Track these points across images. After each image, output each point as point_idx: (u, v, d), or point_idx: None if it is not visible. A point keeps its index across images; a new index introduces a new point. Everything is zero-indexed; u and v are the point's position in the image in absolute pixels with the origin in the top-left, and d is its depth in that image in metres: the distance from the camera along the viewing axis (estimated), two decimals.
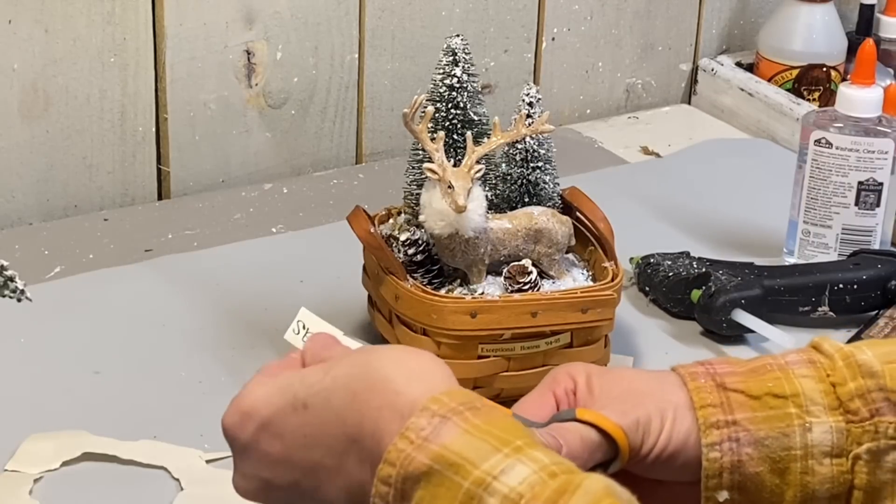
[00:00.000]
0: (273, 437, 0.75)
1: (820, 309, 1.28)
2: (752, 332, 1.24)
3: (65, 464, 1.06)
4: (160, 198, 1.51)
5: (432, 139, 1.13)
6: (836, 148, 1.32)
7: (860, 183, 1.32)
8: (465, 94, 1.16)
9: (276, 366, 0.80)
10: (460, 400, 0.71)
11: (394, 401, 0.72)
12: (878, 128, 1.33)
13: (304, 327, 0.92)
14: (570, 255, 1.20)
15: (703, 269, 1.28)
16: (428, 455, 0.69)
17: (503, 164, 1.20)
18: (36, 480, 1.04)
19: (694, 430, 0.78)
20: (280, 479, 0.76)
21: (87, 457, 1.06)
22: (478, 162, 1.13)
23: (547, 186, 1.20)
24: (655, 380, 0.81)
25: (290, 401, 0.75)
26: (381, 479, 0.70)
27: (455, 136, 1.16)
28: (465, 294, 1.14)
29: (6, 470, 1.04)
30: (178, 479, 1.04)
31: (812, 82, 1.72)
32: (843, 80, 1.68)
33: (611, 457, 0.78)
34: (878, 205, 1.33)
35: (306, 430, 0.74)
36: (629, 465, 0.78)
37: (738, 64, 1.78)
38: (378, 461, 0.70)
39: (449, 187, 1.11)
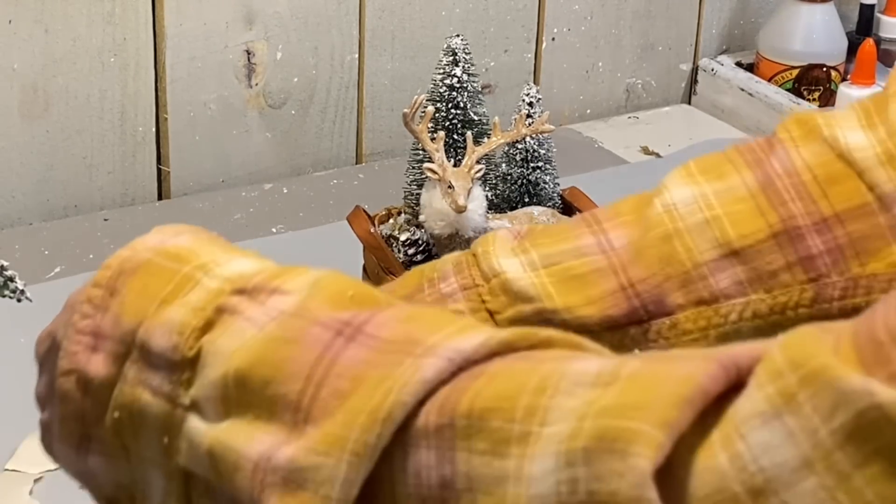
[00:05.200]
0: None
1: None
2: None
3: None
4: (160, 198, 1.51)
5: (432, 139, 1.13)
6: None
7: None
8: (465, 94, 1.16)
9: None
10: (199, 228, 0.67)
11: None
12: None
13: None
14: None
15: None
16: (150, 251, 0.64)
17: (503, 164, 1.20)
18: (36, 480, 1.04)
19: None
20: None
21: None
22: (478, 162, 1.13)
23: (547, 186, 1.20)
24: None
25: None
26: (94, 283, 0.65)
27: (455, 136, 1.16)
28: None
29: (6, 469, 1.04)
30: None
31: (812, 82, 1.72)
32: (844, 80, 1.68)
33: None
34: None
35: None
36: None
37: (739, 64, 1.78)
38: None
39: (449, 187, 1.11)
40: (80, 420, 0.63)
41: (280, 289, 0.59)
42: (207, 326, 0.59)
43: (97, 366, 0.62)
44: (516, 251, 0.79)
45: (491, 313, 0.78)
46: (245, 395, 0.57)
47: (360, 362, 0.55)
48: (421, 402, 0.53)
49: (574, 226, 0.81)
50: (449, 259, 0.82)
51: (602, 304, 0.77)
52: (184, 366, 0.59)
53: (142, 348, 0.61)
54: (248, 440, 0.56)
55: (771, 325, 0.77)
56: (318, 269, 0.61)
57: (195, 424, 0.58)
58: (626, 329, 0.77)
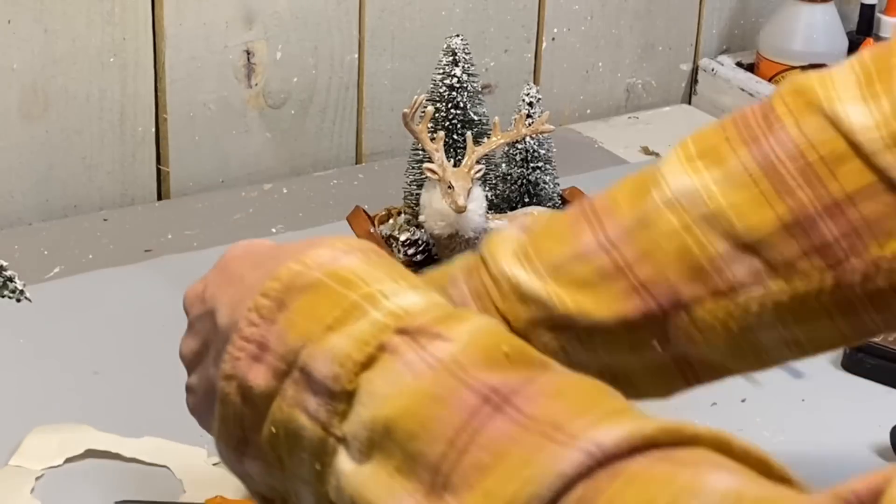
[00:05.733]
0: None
1: None
2: None
3: (68, 460, 1.05)
4: (160, 198, 1.50)
5: (432, 139, 1.13)
6: None
7: None
8: (465, 94, 1.16)
9: None
10: (369, 245, 0.68)
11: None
12: None
13: None
14: None
15: None
16: (321, 271, 0.64)
17: (503, 164, 1.20)
18: (38, 478, 1.04)
19: None
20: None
21: (91, 454, 1.06)
22: (478, 162, 1.12)
23: (547, 186, 1.19)
24: None
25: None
26: (263, 293, 0.64)
27: (455, 136, 1.16)
28: None
29: (9, 465, 1.04)
30: (180, 480, 1.04)
31: None
32: None
33: None
34: None
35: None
36: None
37: (739, 64, 1.78)
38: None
39: (449, 187, 1.11)
40: (238, 424, 0.65)
41: (441, 335, 0.60)
42: (369, 362, 0.60)
43: (258, 376, 0.63)
44: (521, 259, 0.79)
45: (506, 319, 0.78)
46: (390, 444, 0.58)
47: (504, 436, 0.55)
48: (557, 494, 0.53)
49: (573, 221, 0.80)
50: (457, 264, 0.82)
51: (616, 307, 0.77)
52: (342, 397, 0.60)
53: (303, 370, 0.62)
54: (388, 497, 0.57)
55: (794, 313, 0.76)
56: (479, 317, 0.62)
57: (343, 464, 0.60)
58: (644, 326, 0.77)
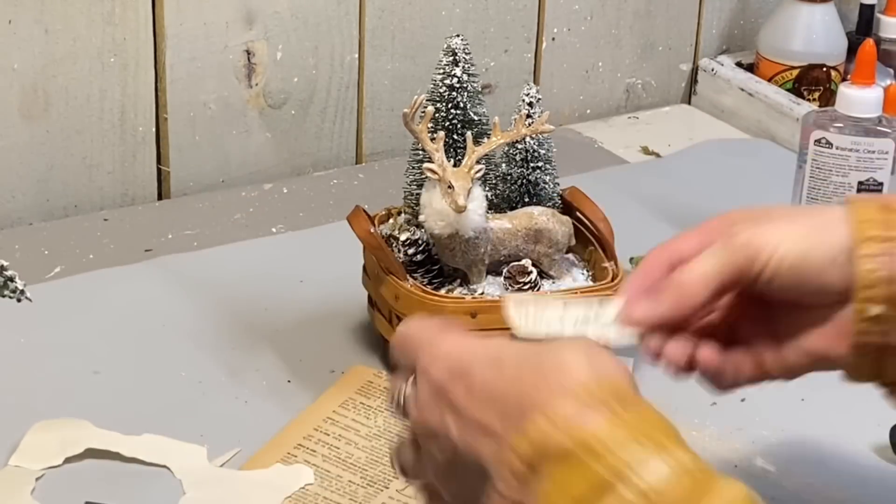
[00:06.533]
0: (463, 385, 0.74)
1: None
2: None
3: (67, 460, 1.05)
4: (160, 198, 1.51)
5: (432, 139, 1.13)
6: (836, 148, 1.32)
7: (860, 183, 1.32)
8: (465, 94, 1.16)
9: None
10: (611, 390, 0.70)
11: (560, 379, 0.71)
12: (878, 128, 1.33)
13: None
14: (570, 255, 1.21)
15: None
16: (569, 435, 0.68)
17: (503, 164, 1.20)
18: (38, 479, 1.04)
19: (845, 246, 0.80)
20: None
21: (90, 453, 1.06)
22: (478, 162, 1.13)
23: (547, 186, 1.20)
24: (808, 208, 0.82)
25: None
26: (514, 449, 0.69)
27: (455, 136, 1.16)
28: (465, 294, 1.14)
29: (10, 466, 1.04)
30: (180, 480, 1.04)
31: (812, 82, 1.72)
32: (843, 80, 1.68)
33: None
34: None
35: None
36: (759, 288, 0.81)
37: (739, 64, 1.78)
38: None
39: (449, 187, 1.11)
40: None
41: None
42: None
43: None
44: None
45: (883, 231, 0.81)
46: None
47: None
48: None
49: None
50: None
51: None
52: None
53: None
54: None
55: None
56: (729, 485, 0.64)
57: None
58: None
